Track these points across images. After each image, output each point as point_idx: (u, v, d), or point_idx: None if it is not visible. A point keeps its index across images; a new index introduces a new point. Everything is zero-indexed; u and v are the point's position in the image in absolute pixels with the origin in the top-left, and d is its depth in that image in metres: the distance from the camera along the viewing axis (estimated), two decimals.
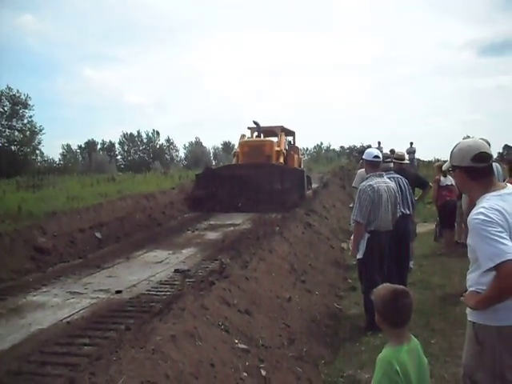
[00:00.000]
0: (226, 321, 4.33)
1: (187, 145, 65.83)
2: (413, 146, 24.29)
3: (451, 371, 4.14)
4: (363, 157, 5.78)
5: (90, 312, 5.81)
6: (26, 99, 37.45)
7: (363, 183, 5.56)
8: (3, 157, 34.80)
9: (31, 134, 38.25)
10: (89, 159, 54.64)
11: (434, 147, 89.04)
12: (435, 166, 9.90)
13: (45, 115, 62.80)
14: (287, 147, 17.17)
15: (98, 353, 4.16)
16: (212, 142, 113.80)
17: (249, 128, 17.60)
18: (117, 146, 65.79)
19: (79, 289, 6.79)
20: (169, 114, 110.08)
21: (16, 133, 37.82)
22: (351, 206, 8.34)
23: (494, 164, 2.71)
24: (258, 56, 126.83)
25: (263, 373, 3.85)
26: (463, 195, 7.31)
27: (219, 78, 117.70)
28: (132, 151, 65.54)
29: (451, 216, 9.07)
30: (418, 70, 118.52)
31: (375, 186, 5.41)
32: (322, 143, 71.12)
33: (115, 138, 67.45)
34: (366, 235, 5.42)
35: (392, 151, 10.94)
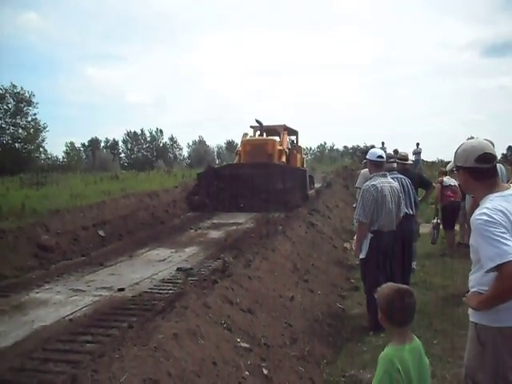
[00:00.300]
0: (229, 319, 4.33)
1: (191, 143, 66.03)
2: (419, 146, 23.99)
3: (453, 372, 4.13)
4: (367, 157, 5.77)
5: (93, 309, 5.82)
6: (29, 97, 37.63)
7: (367, 183, 5.56)
8: (7, 154, 34.95)
9: (35, 131, 38.33)
10: (92, 157, 54.79)
11: (435, 147, 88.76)
12: (439, 173, 9.84)
13: (47, 113, 63.11)
14: (290, 146, 17.15)
15: (100, 350, 4.17)
16: (216, 140, 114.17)
17: (251, 127, 17.54)
18: (120, 144, 66.05)
19: (82, 286, 6.80)
20: (171, 112, 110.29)
21: (20, 130, 37.98)
22: (354, 205, 8.33)
23: (497, 165, 2.70)
24: (260, 55, 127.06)
25: (265, 372, 3.86)
26: (467, 196, 7.28)
27: (222, 77, 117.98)
28: (135, 149, 65.66)
29: (454, 217, 9.05)
30: (419, 70, 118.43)
31: (379, 185, 5.40)
32: (325, 143, 71.20)
33: (118, 136, 67.81)
34: (369, 235, 5.41)
35: (395, 151, 10.91)
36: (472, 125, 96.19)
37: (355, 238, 5.77)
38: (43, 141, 39.75)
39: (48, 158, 44.22)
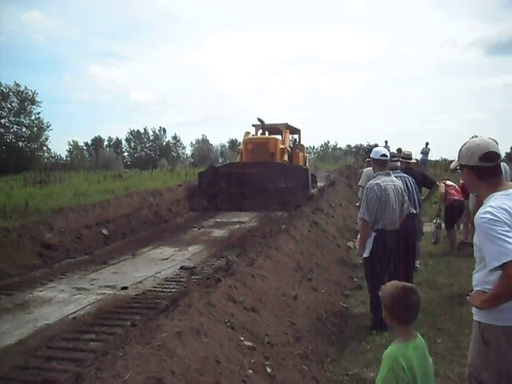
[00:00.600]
0: (232, 318, 4.33)
1: (194, 142, 66.07)
2: (428, 146, 23.43)
3: (457, 371, 4.12)
4: (371, 155, 5.76)
5: (96, 308, 5.84)
6: (33, 95, 37.69)
7: (370, 181, 5.54)
8: (11, 153, 35.03)
9: (39, 130, 38.38)
10: (96, 156, 54.86)
11: (438, 146, 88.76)
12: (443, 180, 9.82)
13: (51, 112, 63.23)
14: (292, 145, 17.09)
15: (104, 348, 4.19)
16: (219, 139, 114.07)
17: (253, 125, 17.42)
18: (123, 142, 66.19)
19: (85, 285, 6.83)
20: (175, 111, 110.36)
21: (23, 129, 37.99)
22: (358, 204, 8.32)
23: (501, 163, 2.69)
24: (264, 54, 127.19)
25: (268, 370, 3.85)
26: (470, 194, 7.26)
27: (225, 75, 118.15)
28: (139, 148, 65.79)
29: (458, 216, 9.03)
30: (424, 69, 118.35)
31: (382, 184, 5.39)
32: (328, 142, 71.21)
33: (122, 134, 67.88)
34: (373, 234, 5.40)
35: (399, 150, 10.89)
36: (476, 123, 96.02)
37: (359, 236, 5.76)
38: (47, 139, 39.86)
39: (51, 157, 44.42)
